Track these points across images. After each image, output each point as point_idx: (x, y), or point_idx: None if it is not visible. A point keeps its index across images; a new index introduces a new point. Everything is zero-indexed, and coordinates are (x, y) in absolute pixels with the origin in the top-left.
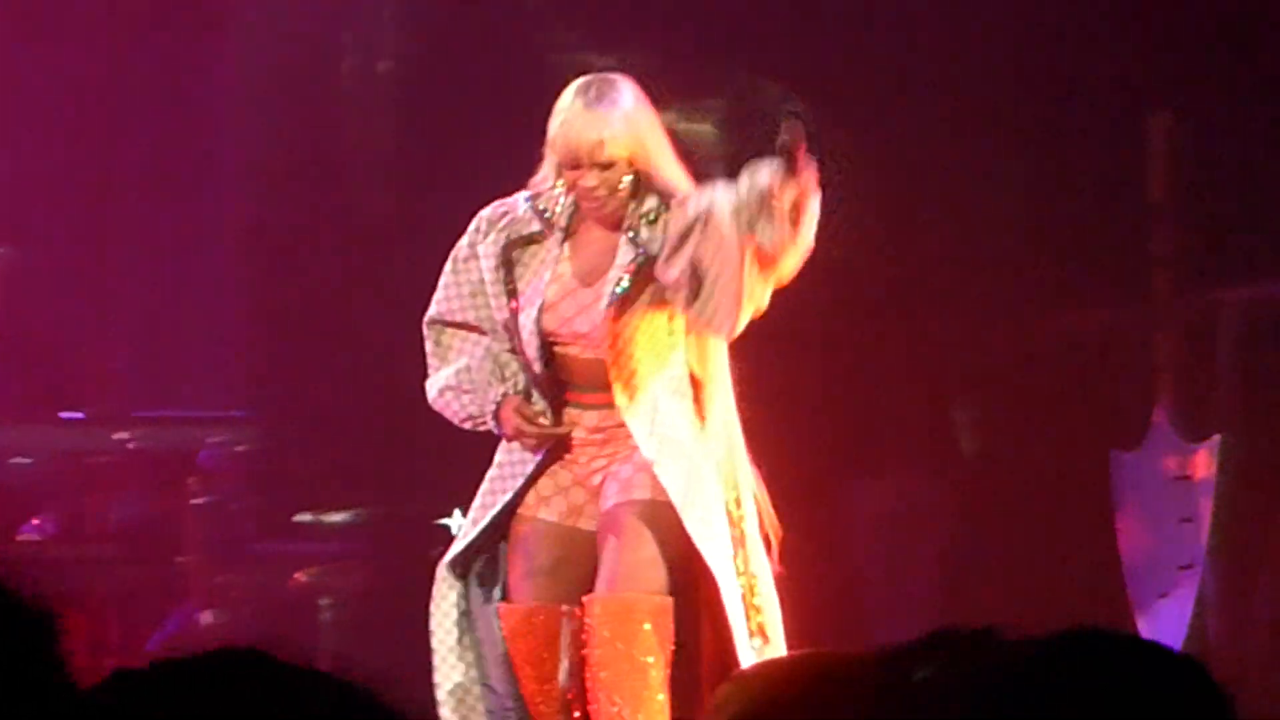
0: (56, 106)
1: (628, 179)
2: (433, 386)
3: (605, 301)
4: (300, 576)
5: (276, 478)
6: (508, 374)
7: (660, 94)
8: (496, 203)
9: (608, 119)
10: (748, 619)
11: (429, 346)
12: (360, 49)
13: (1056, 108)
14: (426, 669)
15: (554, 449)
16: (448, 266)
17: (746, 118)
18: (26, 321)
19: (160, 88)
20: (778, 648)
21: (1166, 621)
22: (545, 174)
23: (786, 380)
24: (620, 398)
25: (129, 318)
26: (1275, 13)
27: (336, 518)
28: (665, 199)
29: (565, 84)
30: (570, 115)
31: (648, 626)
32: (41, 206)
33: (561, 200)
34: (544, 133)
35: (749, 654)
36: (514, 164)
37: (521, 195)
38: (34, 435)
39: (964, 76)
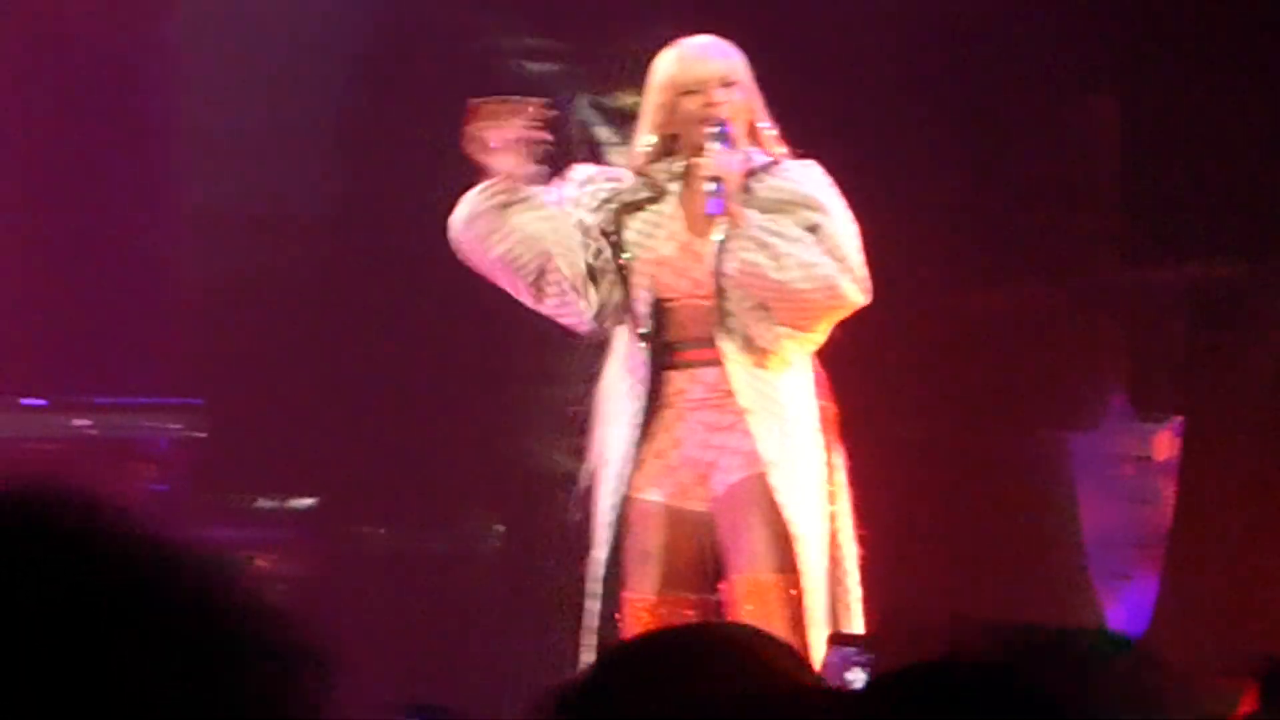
0: (7, 92)
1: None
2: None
3: (714, 246)
4: (259, 562)
5: (235, 464)
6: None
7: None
8: (584, 168)
9: (725, 46)
10: (830, 597)
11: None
12: (307, 31)
13: (1006, 89)
14: (379, 654)
15: (663, 428)
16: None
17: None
18: None
19: (110, 71)
20: (855, 628)
21: (1129, 602)
22: (637, 152)
23: None
24: (724, 343)
25: (89, 305)
26: None
27: (295, 504)
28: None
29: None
30: (684, 50)
31: (787, 608)
32: None
33: (669, 167)
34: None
35: (821, 637)
36: (463, 152)
37: (614, 169)
38: None
39: (910, 56)
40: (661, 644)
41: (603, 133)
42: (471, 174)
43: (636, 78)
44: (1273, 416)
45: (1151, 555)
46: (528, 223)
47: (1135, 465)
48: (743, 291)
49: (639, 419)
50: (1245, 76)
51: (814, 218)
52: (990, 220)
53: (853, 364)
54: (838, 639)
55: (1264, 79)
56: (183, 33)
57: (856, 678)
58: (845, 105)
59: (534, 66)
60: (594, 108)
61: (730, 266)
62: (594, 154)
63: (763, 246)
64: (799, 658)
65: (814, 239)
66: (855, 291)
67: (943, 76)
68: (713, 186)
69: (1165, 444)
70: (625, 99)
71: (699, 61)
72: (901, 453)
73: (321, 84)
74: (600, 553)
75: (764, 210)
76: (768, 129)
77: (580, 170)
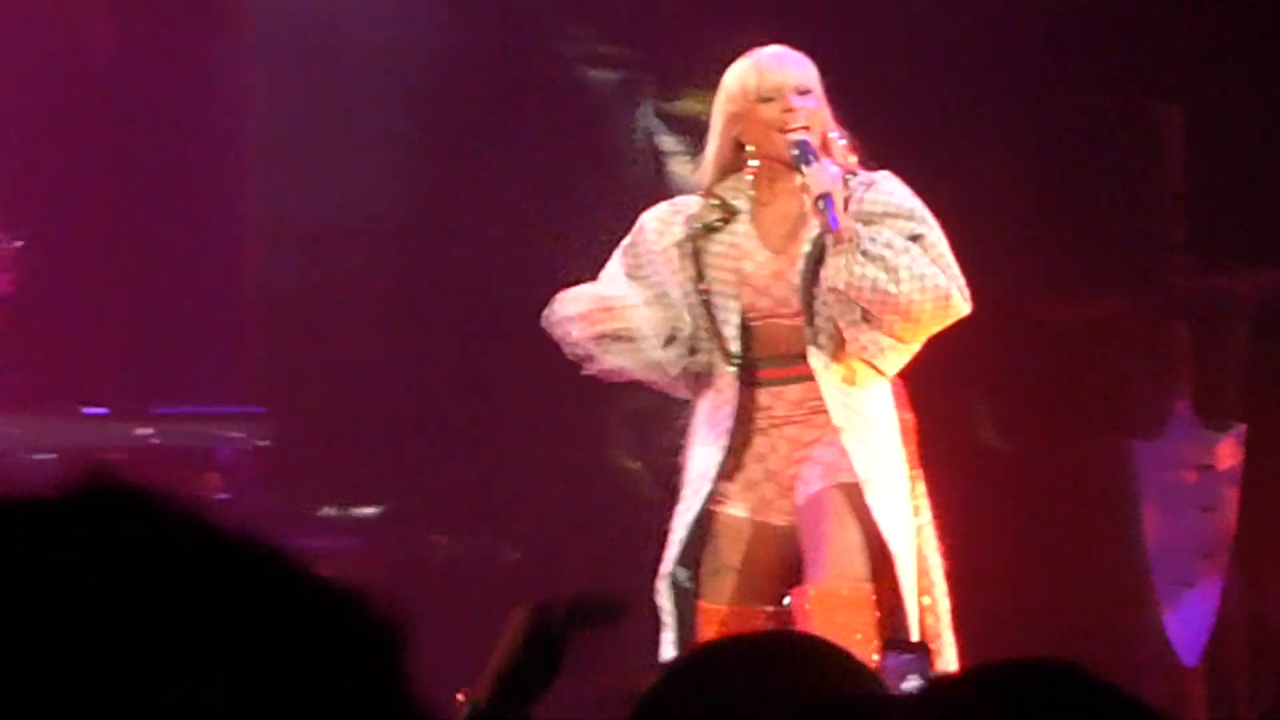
0: (74, 99)
1: (819, 118)
2: (579, 297)
3: (800, 262)
4: (323, 570)
5: (296, 473)
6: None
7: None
8: (658, 207)
9: (799, 56)
10: (921, 607)
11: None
12: (373, 41)
13: (1072, 97)
14: (444, 663)
15: (747, 443)
16: (617, 262)
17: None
18: (49, 317)
19: (176, 79)
20: (947, 638)
21: (1192, 610)
22: (706, 172)
23: None
24: (815, 359)
25: (152, 314)
26: None
27: (359, 512)
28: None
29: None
30: (760, 59)
31: (858, 617)
32: (63, 201)
33: (736, 184)
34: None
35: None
36: (529, 161)
37: (682, 198)
38: (58, 431)
39: (977, 64)
40: (729, 651)
41: (668, 141)
42: (540, 181)
43: (702, 85)
44: None
45: (1215, 563)
46: (616, 357)
47: (1199, 473)
48: (845, 305)
49: (724, 437)
50: None
51: (915, 228)
52: (1055, 229)
53: (925, 375)
54: (894, 645)
55: None
56: (255, 44)
57: (914, 684)
58: (912, 116)
59: (599, 74)
60: (659, 116)
61: (839, 281)
62: (659, 163)
63: (874, 259)
64: (861, 665)
65: (919, 250)
66: (961, 300)
67: (1010, 85)
68: (822, 204)
69: (1229, 452)
70: (691, 107)
71: (776, 70)
72: (972, 461)
73: (388, 95)
74: (666, 567)
75: (860, 222)
76: (839, 139)
77: (650, 218)
